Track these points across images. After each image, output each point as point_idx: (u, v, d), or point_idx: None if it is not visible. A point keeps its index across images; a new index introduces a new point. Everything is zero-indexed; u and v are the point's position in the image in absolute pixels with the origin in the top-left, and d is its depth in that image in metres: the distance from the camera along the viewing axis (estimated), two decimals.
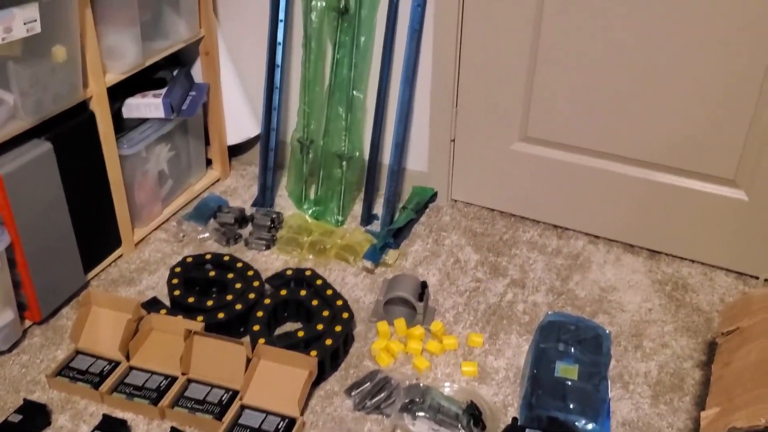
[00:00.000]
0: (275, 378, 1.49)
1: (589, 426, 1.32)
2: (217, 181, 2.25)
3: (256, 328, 1.60)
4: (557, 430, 1.33)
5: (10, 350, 1.63)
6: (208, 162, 2.25)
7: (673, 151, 1.80)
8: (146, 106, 1.87)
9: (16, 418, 1.43)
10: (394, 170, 2.02)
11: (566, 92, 1.84)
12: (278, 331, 1.69)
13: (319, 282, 1.72)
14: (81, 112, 1.70)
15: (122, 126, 1.87)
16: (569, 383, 1.38)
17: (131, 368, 1.56)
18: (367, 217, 2.06)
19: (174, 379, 1.53)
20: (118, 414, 1.49)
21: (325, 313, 1.63)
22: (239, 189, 2.23)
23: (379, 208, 2.09)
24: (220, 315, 1.63)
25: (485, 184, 2.07)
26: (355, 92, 1.99)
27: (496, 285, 1.83)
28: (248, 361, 1.51)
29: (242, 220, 2.04)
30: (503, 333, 1.68)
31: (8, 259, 1.56)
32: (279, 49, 2.03)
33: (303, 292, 1.68)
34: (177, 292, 1.69)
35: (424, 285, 1.72)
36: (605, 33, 1.73)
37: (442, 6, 1.86)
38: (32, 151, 1.57)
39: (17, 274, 1.60)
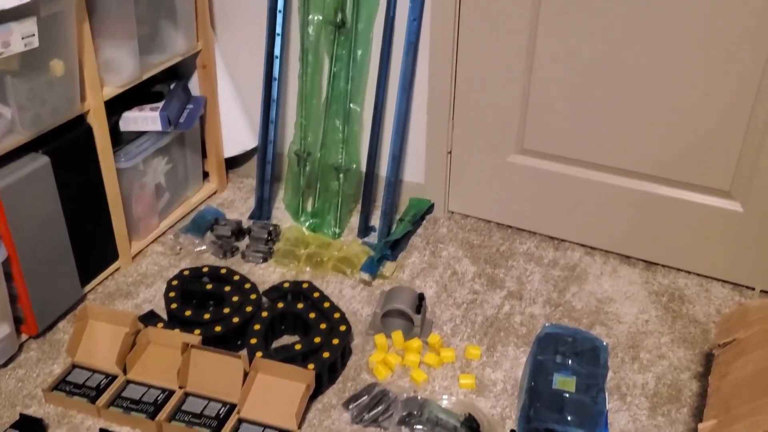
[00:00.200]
0: (273, 391, 1.48)
1: None
2: (214, 193, 2.26)
3: (254, 341, 1.59)
4: None
5: (6, 364, 1.62)
6: (205, 175, 2.25)
7: (668, 163, 1.80)
8: (143, 119, 1.87)
9: None
10: (391, 182, 2.03)
11: (562, 105, 1.85)
12: (275, 344, 1.69)
13: (316, 294, 1.72)
14: (78, 126, 1.70)
15: (119, 139, 1.87)
16: (567, 395, 1.38)
17: (128, 382, 1.55)
18: (364, 229, 2.07)
19: (171, 392, 1.52)
20: (115, 428, 1.48)
21: (323, 326, 1.63)
22: (236, 201, 2.23)
23: (376, 220, 2.09)
24: (218, 328, 1.63)
25: (482, 195, 2.08)
26: (352, 105, 2.00)
27: (493, 297, 1.83)
28: (245, 374, 1.51)
29: (239, 232, 2.04)
30: (501, 345, 1.68)
31: (5, 273, 1.56)
32: (276, 63, 2.04)
33: (300, 305, 1.68)
34: (174, 306, 1.69)
35: (421, 297, 1.72)
36: (601, 47, 1.74)
37: (438, 19, 1.87)
38: (29, 165, 1.57)
39: (14, 288, 1.60)
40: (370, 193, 2.06)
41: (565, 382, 1.41)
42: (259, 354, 1.55)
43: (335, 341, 1.58)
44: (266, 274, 1.91)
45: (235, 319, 1.65)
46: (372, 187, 2.07)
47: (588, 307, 1.79)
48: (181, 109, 1.99)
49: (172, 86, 2.02)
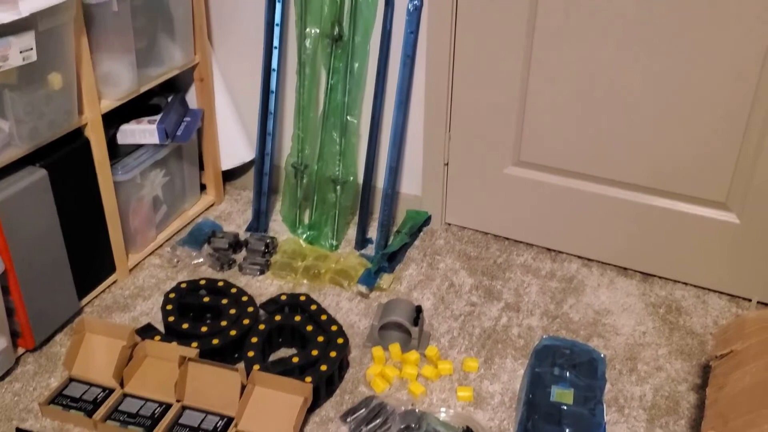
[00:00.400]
0: (270, 404, 1.48)
1: None
2: (212, 206, 2.26)
3: (251, 354, 1.59)
4: None
5: (2, 378, 1.62)
6: (203, 187, 2.26)
7: (664, 174, 1.81)
8: (141, 132, 1.88)
9: None
10: (388, 194, 2.03)
11: (558, 117, 1.86)
12: (273, 356, 1.69)
13: (313, 307, 1.72)
14: (76, 139, 1.71)
15: (117, 152, 1.87)
16: (565, 408, 1.38)
17: (125, 395, 1.55)
18: (362, 241, 2.07)
19: (168, 406, 1.52)
20: None
21: (320, 339, 1.62)
22: (233, 214, 2.23)
23: (373, 232, 2.09)
24: (215, 341, 1.62)
25: (479, 207, 2.08)
26: (349, 117, 2.01)
27: (490, 309, 1.83)
28: (243, 387, 1.50)
29: (236, 245, 2.04)
30: (498, 357, 1.68)
31: (1, 286, 1.56)
32: (273, 76, 2.05)
33: (297, 318, 1.68)
34: (171, 318, 1.69)
35: (418, 309, 1.72)
36: (597, 60, 1.75)
37: (434, 32, 1.88)
38: (27, 178, 1.57)
39: (10, 301, 1.60)
40: (367, 205, 2.07)
41: (562, 395, 1.40)
42: (256, 367, 1.55)
43: (332, 354, 1.58)
44: (263, 287, 1.91)
45: (233, 332, 1.65)
46: (369, 199, 2.07)
47: (585, 319, 1.80)
48: (179, 121, 2.00)
49: (169, 99, 2.02)
